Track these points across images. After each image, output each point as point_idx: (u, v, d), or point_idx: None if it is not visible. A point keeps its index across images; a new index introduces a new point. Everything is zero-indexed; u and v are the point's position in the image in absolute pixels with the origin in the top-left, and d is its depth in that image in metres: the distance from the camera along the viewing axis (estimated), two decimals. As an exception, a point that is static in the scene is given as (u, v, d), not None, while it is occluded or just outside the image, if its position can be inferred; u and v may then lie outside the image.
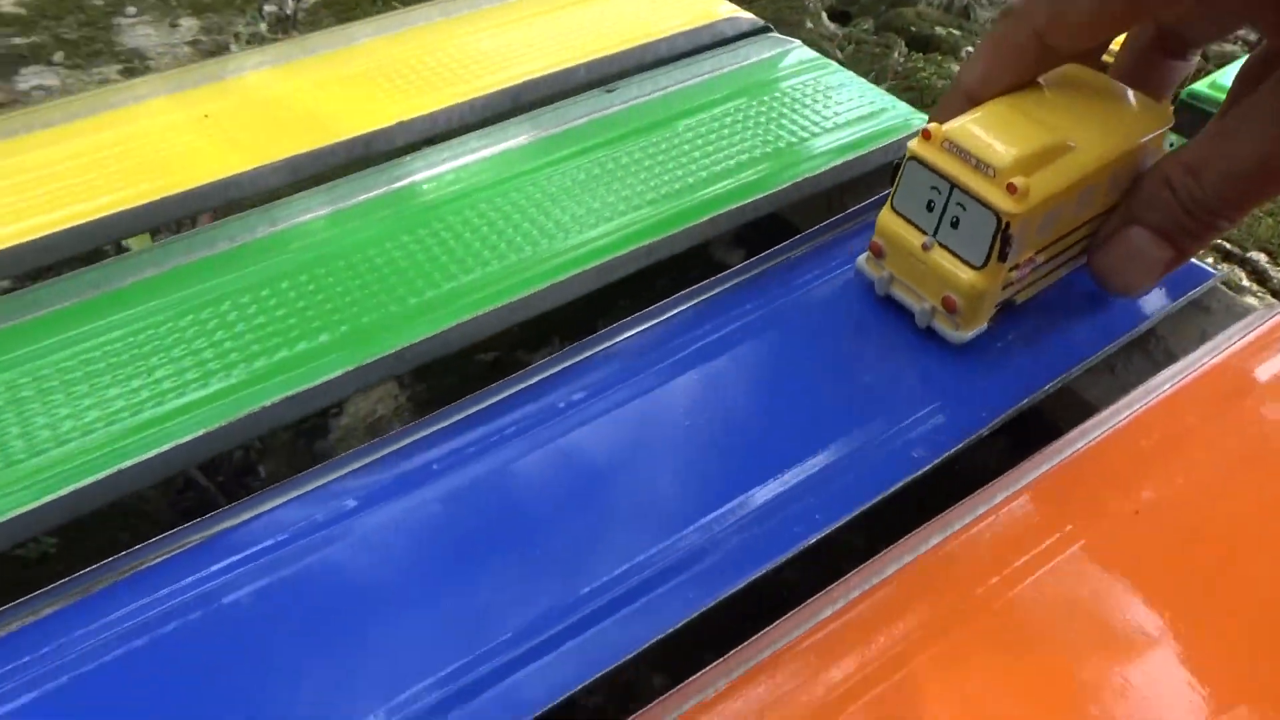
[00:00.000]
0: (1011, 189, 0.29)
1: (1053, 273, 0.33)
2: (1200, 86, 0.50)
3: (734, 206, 0.38)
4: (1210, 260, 0.50)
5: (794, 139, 0.41)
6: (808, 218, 0.42)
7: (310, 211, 0.38)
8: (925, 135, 0.31)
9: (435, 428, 0.31)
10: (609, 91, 0.44)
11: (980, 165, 0.30)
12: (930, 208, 0.31)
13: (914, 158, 0.31)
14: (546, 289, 0.34)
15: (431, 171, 0.40)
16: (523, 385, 0.32)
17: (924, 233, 0.32)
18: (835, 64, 0.46)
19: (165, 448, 0.29)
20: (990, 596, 0.25)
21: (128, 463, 0.28)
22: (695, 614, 0.25)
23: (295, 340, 0.32)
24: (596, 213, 0.37)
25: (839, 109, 0.43)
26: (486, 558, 0.27)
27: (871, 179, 0.41)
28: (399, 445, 0.30)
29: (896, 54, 0.70)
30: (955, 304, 0.32)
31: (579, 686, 0.24)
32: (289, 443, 0.43)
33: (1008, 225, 0.29)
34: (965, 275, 0.31)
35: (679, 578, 0.26)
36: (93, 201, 0.37)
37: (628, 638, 0.25)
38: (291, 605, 0.26)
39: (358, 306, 0.34)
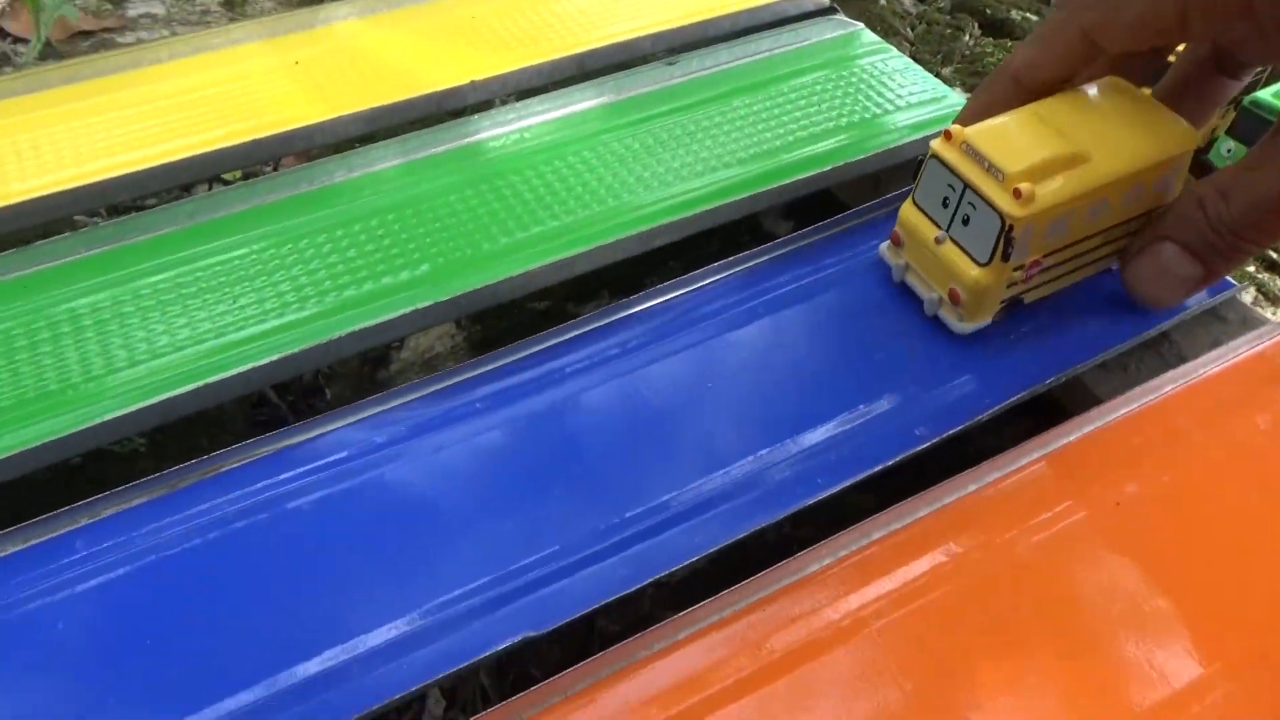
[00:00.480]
0: (1017, 194, 0.31)
1: (1065, 276, 0.35)
2: (1263, 95, 0.50)
3: (780, 184, 0.40)
4: (1253, 269, 0.50)
5: (846, 121, 0.43)
6: (856, 196, 0.44)
7: (384, 161, 0.41)
8: (946, 136, 0.33)
9: (486, 368, 0.34)
10: (670, 64, 0.46)
11: (992, 169, 0.31)
12: (945, 204, 0.33)
13: (934, 156, 0.33)
14: (595, 250, 0.37)
15: (498, 130, 0.42)
16: (570, 335, 0.35)
17: (938, 227, 0.34)
18: (895, 50, 0.47)
19: (244, 368, 0.32)
20: (966, 561, 0.28)
21: (211, 379, 0.32)
22: (700, 555, 0.28)
23: (363, 280, 0.36)
24: (648, 180, 0.40)
25: (895, 95, 0.44)
26: (523, 484, 0.30)
27: (917, 165, 0.43)
28: (452, 381, 0.33)
29: (967, 36, 0.71)
30: (959, 296, 0.34)
31: (592, 608, 0.27)
32: (355, 369, 0.47)
33: (1011, 227, 0.31)
34: (971, 270, 0.33)
35: (689, 522, 0.29)
36: (192, 138, 0.41)
37: (638, 569, 0.28)
38: (347, 514, 0.29)
39: (421, 253, 0.37)
